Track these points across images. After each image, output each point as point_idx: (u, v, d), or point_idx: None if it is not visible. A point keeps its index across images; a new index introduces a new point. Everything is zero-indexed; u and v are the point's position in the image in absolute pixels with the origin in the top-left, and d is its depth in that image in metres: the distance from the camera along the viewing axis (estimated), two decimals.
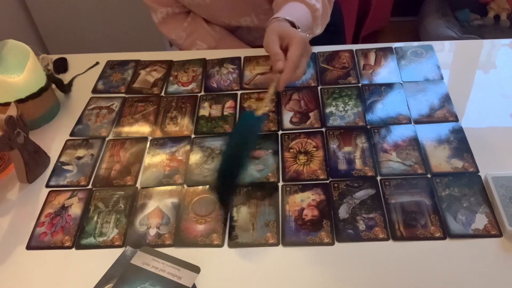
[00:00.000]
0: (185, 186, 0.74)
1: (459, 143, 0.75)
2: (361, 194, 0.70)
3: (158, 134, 0.84)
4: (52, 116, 0.90)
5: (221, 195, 0.70)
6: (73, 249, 0.68)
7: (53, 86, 0.92)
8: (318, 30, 0.91)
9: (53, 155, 0.81)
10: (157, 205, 0.72)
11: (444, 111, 0.81)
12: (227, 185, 0.69)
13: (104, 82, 0.96)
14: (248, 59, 0.97)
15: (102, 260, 0.65)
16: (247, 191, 0.72)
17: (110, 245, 0.68)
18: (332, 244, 0.65)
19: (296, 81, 0.80)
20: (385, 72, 0.90)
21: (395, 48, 0.96)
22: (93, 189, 0.76)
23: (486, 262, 0.61)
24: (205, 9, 1.01)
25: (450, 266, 0.61)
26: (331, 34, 1.11)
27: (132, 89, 0.94)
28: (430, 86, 0.86)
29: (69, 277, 0.65)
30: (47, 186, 0.77)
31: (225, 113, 0.86)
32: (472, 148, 0.74)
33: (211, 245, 0.66)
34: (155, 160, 0.79)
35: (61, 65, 1.01)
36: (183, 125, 0.85)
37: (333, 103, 0.85)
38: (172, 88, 0.93)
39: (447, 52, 0.95)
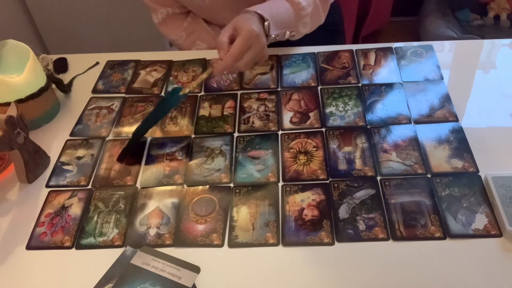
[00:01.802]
0: (185, 186, 0.74)
1: (459, 143, 0.75)
2: (361, 194, 0.70)
3: (158, 134, 0.84)
4: (52, 116, 0.90)
5: (128, 147, 0.80)
6: (73, 249, 0.68)
7: (53, 86, 0.92)
8: (306, 29, 0.91)
9: (53, 155, 0.81)
10: (157, 205, 0.72)
11: (444, 111, 0.81)
12: (133, 141, 0.80)
13: (104, 82, 0.96)
14: None
15: (102, 260, 0.65)
16: (247, 191, 0.72)
17: (110, 245, 0.68)
18: (332, 244, 0.65)
19: (239, 71, 0.84)
20: (385, 72, 0.90)
21: (395, 48, 0.96)
22: (93, 189, 0.76)
23: (486, 262, 0.61)
24: (205, 10, 1.01)
25: (450, 266, 0.61)
26: (331, 34, 1.11)
27: (132, 89, 0.94)
28: (430, 86, 0.86)
29: (69, 277, 0.65)
30: (47, 186, 0.77)
31: (225, 113, 0.86)
32: (472, 148, 0.74)
33: (211, 245, 0.66)
34: (155, 160, 0.79)
35: (61, 65, 1.01)
36: (183, 125, 0.85)
37: (333, 103, 0.85)
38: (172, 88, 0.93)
39: (447, 52, 0.95)
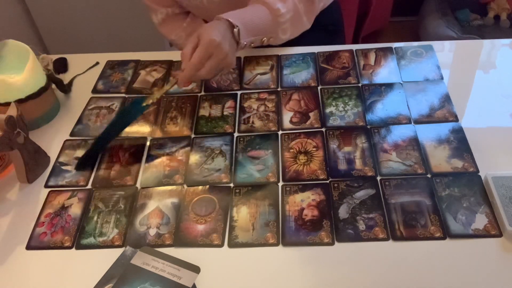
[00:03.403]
0: (185, 186, 0.74)
1: (459, 143, 0.75)
2: (361, 194, 0.70)
3: (158, 134, 0.84)
4: (52, 116, 0.90)
5: (85, 157, 0.80)
6: (73, 249, 0.68)
7: (53, 86, 0.92)
8: (287, 35, 0.90)
9: (53, 155, 0.81)
10: (157, 205, 0.72)
11: (444, 111, 0.81)
12: (91, 152, 0.80)
13: (104, 82, 0.96)
14: (248, 59, 0.97)
15: (102, 260, 0.65)
16: (247, 191, 0.72)
17: (110, 245, 0.68)
18: (332, 244, 0.65)
19: (202, 79, 0.85)
20: (385, 72, 0.90)
21: (395, 48, 0.95)
22: (93, 189, 0.76)
23: (486, 262, 0.61)
24: (203, 10, 1.01)
25: (450, 266, 0.61)
26: (331, 34, 1.11)
27: (132, 89, 0.94)
28: (430, 86, 0.86)
29: (69, 277, 0.65)
30: (46, 186, 0.77)
31: (225, 113, 0.86)
32: (472, 148, 0.74)
33: (211, 245, 0.66)
34: (155, 160, 0.79)
35: (61, 65, 1.01)
36: (183, 125, 0.85)
37: (333, 103, 0.85)
38: (172, 88, 0.93)
39: (447, 52, 0.95)
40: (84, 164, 0.79)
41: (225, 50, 0.77)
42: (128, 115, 0.83)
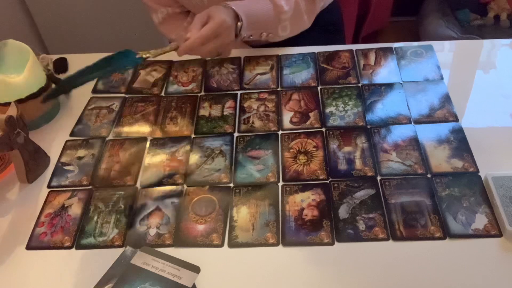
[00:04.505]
0: (185, 186, 0.74)
1: (459, 143, 0.75)
2: (361, 194, 0.70)
3: (158, 134, 0.84)
4: (52, 116, 0.90)
5: (55, 92, 0.81)
6: (73, 249, 0.68)
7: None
8: (286, 33, 0.91)
9: (53, 155, 0.81)
10: (157, 205, 0.72)
11: (444, 111, 0.81)
12: (62, 87, 0.81)
13: (104, 82, 0.96)
14: (248, 59, 0.97)
15: (102, 260, 0.65)
16: (247, 191, 0.72)
17: (110, 245, 0.68)
18: (332, 244, 0.65)
19: (200, 56, 0.83)
20: (385, 72, 0.90)
21: (395, 48, 0.95)
22: (93, 189, 0.75)
23: (486, 262, 0.61)
24: (203, 9, 1.00)
25: (450, 266, 0.61)
26: (331, 34, 1.11)
27: (132, 89, 0.94)
28: (430, 86, 0.86)
29: (69, 277, 0.65)
30: (49, 186, 0.77)
31: (225, 113, 0.86)
32: (472, 148, 0.74)
33: (211, 245, 0.66)
34: (155, 160, 0.79)
35: (61, 65, 1.01)
36: (183, 125, 0.85)
37: (333, 103, 0.85)
38: (172, 88, 0.93)
39: (447, 52, 0.95)
40: (54, 95, 0.81)
41: (232, 35, 0.79)
42: (116, 62, 0.79)
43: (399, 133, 0.78)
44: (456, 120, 0.79)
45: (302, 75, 0.92)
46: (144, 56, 0.79)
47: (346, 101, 0.85)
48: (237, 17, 0.81)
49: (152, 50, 0.80)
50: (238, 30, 0.81)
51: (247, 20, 0.82)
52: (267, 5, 0.85)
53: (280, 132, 0.81)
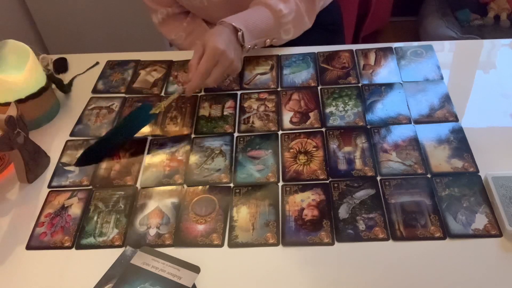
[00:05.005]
0: (185, 186, 0.74)
1: (459, 143, 0.75)
2: (361, 194, 0.70)
3: (158, 134, 0.84)
4: (52, 116, 0.90)
5: (85, 153, 0.80)
6: (73, 249, 0.68)
7: (53, 86, 0.92)
8: (290, 36, 0.92)
9: (53, 155, 0.81)
10: (157, 205, 0.72)
11: (444, 111, 0.81)
12: (91, 148, 0.80)
13: (104, 82, 0.96)
14: (248, 59, 0.97)
15: (102, 260, 0.65)
16: (247, 191, 0.72)
17: (110, 245, 0.68)
18: (332, 244, 0.65)
19: (211, 86, 0.82)
20: (385, 72, 0.90)
21: (395, 48, 0.95)
22: (93, 189, 0.76)
23: (486, 262, 0.61)
24: (203, 10, 1.01)
25: (450, 266, 0.61)
26: (331, 34, 1.11)
27: (132, 89, 0.94)
28: (430, 86, 0.86)
29: (69, 277, 0.65)
30: (49, 187, 0.77)
31: (225, 113, 0.86)
32: (472, 148, 0.74)
33: (211, 245, 0.66)
34: (155, 160, 0.79)
35: (61, 65, 1.01)
36: (183, 125, 0.85)
37: (333, 103, 0.85)
38: (172, 88, 0.93)
39: (447, 52, 0.95)
40: (84, 160, 0.79)
41: (230, 57, 0.79)
42: (135, 121, 0.81)
43: (399, 133, 0.78)
44: (456, 120, 0.79)
45: (302, 75, 0.92)
46: (157, 112, 0.81)
47: (346, 101, 0.85)
48: (236, 30, 0.82)
49: (162, 102, 0.82)
50: (241, 40, 0.82)
51: (248, 30, 0.82)
52: (265, 12, 0.86)
53: (280, 132, 0.81)
